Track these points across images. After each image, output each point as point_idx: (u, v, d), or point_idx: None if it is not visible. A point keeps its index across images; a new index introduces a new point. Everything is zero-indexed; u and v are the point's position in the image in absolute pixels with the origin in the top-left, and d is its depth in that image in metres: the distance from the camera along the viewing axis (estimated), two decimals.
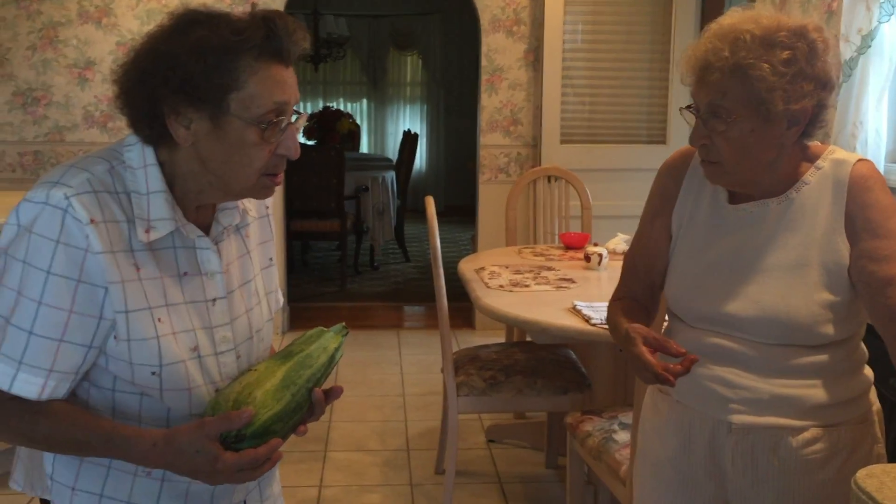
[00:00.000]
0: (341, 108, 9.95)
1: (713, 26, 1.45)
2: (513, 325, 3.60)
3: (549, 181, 4.11)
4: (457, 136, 10.03)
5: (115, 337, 1.21)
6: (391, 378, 4.52)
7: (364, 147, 10.21)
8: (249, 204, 1.41)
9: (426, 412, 4.02)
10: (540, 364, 3.11)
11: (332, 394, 1.34)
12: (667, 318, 1.71)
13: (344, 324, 1.37)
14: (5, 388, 1.18)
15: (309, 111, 8.94)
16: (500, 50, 5.05)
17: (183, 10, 1.25)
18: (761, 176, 1.48)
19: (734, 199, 1.55)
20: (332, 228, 6.37)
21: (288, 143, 1.26)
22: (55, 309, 1.18)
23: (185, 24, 1.22)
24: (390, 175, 7.16)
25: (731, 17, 1.44)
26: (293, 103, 1.26)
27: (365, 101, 10.51)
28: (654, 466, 1.64)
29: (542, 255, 3.55)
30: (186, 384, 1.27)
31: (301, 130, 1.31)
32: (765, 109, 1.41)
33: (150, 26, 1.26)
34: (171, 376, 1.25)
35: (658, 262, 1.64)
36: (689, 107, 1.49)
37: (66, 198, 1.17)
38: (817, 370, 1.48)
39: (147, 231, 1.23)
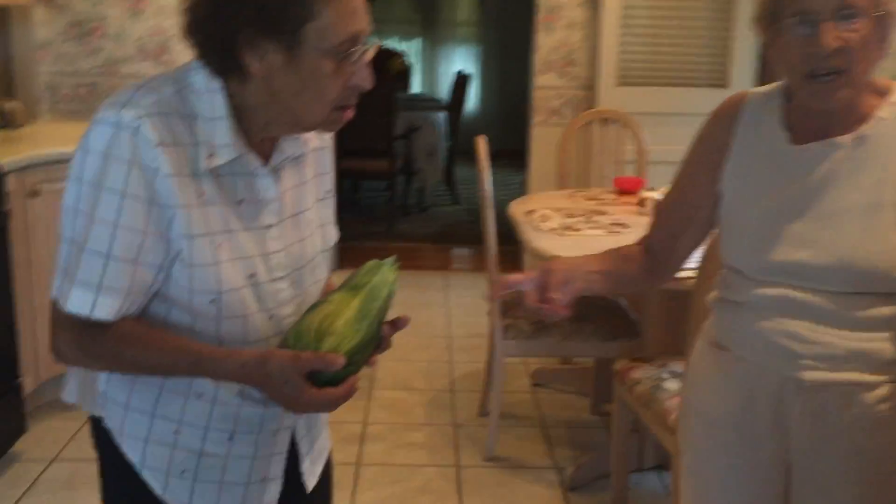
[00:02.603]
0: (394, 47, 9.83)
1: None
2: None
3: (603, 124, 4.01)
4: (512, 79, 9.85)
5: (180, 260, 1.22)
6: (437, 319, 4.52)
7: (416, 87, 10.11)
8: (310, 134, 1.38)
9: (472, 354, 4.02)
10: (589, 310, 3.06)
11: (399, 324, 1.34)
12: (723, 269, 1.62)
13: (396, 257, 1.35)
14: (85, 313, 1.19)
15: None
16: None
17: None
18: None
19: (797, 139, 1.45)
20: (381, 168, 6.34)
21: (362, 73, 1.24)
22: (132, 230, 1.18)
23: None
24: (441, 116, 7.08)
25: None
26: (367, 33, 1.23)
27: (420, 40, 10.37)
28: (710, 425, 1.56)
29: (594, 198, 3.48)
30: (243, 311, 1.27)
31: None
32: (880, 11, 1.33)
33: None
34: (229, 304, 1.25)
35: (693, 213, 1.56)
36: (793, 15, 1.34)
37: (138, 118, 1.16)
38: (892, 321, 1.39)
39: (210, 156, 1.22)
